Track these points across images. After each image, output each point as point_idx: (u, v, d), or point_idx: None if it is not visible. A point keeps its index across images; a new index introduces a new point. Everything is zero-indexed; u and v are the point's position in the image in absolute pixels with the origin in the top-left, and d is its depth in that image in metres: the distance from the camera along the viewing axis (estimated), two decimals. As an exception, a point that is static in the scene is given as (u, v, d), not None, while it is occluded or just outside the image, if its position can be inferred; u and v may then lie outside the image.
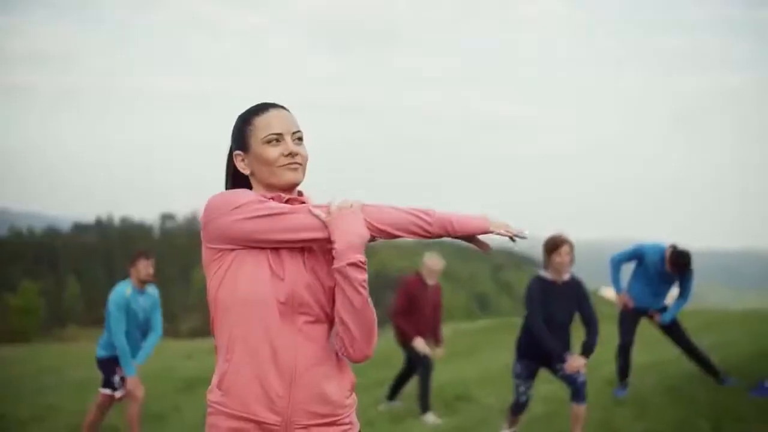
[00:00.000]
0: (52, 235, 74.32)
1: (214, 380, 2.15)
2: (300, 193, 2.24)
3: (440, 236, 2.18)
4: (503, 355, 11.31)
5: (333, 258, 2.11)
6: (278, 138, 2.16)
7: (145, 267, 6.32)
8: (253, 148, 2.18)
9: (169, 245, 66.84)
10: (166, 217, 77.27)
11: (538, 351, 5.43)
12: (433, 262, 7.40)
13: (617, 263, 7.03)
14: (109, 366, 6.36)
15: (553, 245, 5.37)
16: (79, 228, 77.90)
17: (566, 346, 5.44)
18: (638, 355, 7.33)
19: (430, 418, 7.18)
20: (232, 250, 2.09)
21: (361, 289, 2.07)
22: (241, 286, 2.08)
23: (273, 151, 2.15)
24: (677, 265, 6.69)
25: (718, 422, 5.73)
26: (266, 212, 2.07)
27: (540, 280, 5.46)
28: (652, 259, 6.84)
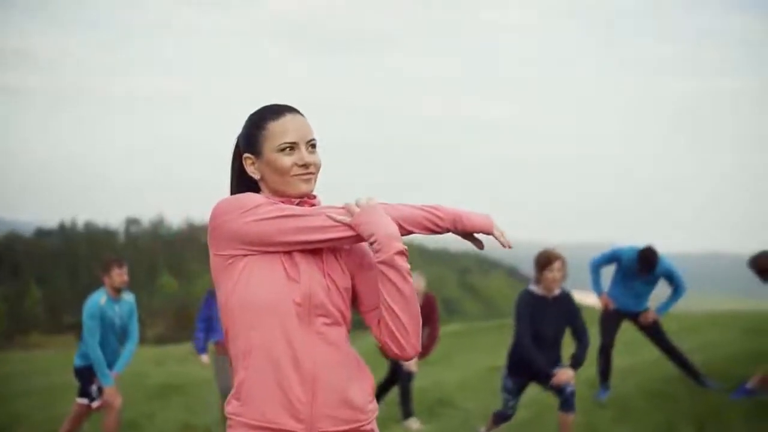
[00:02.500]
0: (13, 240, 73.05)
1: (233, 391, 2.08)
2: (311, 196, 2.17)
3: (448, 231, 2.17)
4: (478, 359, 11.33)
5: (352, 255, 2.12)
6: (293, 146, 2.10)
7: (118, 275, 6.20)
8: (266, 155, 2.11)
9: (135, 250, 65.99)
10: (131, 222, 76.36)
11: (528, 367, 5.40)
12: (416, 284, 7.31)
13: (596, 266, 7.06)
14: (87, 375, 6.24)
15: (546, 261, 5.32)
16: (42, 233, 76.64)
17: (556, 363, 5.41)
18: (619, 358, 7.34)
19: (413, 423, 7.13)
20: (245, 255, 2.03)
21: (410, 278, 2.03)
22: (256, 290, 2.01)
23: (287, 160, 2.09)
24: (643, 264, 6.75)
25: (701, 425, 5.75)
26: (283, 213, 2.02)
27: (529, 295, 5.41)
28: (629, 261, 6.88)
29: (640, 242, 6.98)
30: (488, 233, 2.17)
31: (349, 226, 2.04)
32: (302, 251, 2.05)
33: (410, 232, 2.12)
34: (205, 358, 7.10)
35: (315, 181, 2.15)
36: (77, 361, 6.32)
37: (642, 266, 6.76)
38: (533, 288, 5.43)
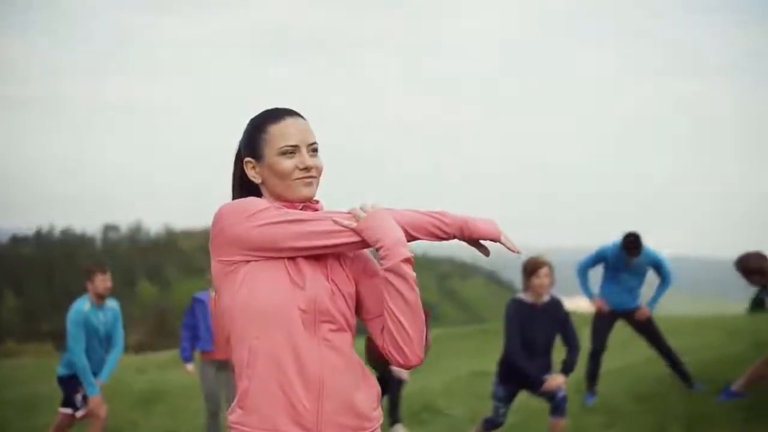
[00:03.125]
0: (-12, 247, 72.22)
1: (236, 399, 2.03)
2: (314, 200, 2.14)
3: (454, 238, 2.13)
4: (462, 364, 11.32)
5: (354, 261, 2.09)
6: (294, 150, 2.06)
7: (102, 281, 6.11)
8: (267, 158, 2.07)
9: (112, 257, 65.49)
10: (109, 228, 75.86)
11: (518, 375, 5.39)
12: None
13: (583, 269, 7.09)
14: (71, 384, 6.15)
15: (532, 268, 5.32)
16: (18, 240, 75.85)
17: (547, 370, 5.40)
18: (606, 361, 7.34)
19: (399, 430, 7.10)
20: (247, 261, 1.99)
21: (415, 287, 1.99)
22: (260, 297, 1.97)
23: (288, 164, 2.06)
24: (629, 248, 6.80)
25: (690, 427, 5.78)
26: (289, 218, 1.98)
27: (518, 303, 5.40)
28: (615, 256, 6.93)
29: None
30: (495, 240, 2.14)
31: (355, 232, 2.00)
32: (306, 257, 2.02)
33: (416, 239, 2.08)
34: (190, 366, 7.00)
35: (317, 185, 2.11)
36: (61, 370, 6.23)
37: (628, 250, 6.82)
38: (522, 296, 5.43)
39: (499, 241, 2.14)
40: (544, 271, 5.30)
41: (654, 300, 7.08)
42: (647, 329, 7.09)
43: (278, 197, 2.09)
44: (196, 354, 7.02)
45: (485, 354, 12.69)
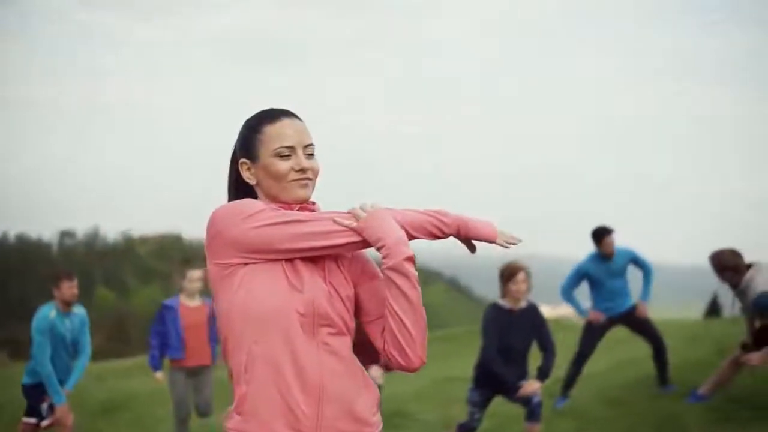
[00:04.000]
0: (-60, 253, 70.57)
1: (233, 405, 1.99)
2: (311, 202, 2.11)
3: (452, 236, 2.13)
4: (431, 369, 11.28)
5: (352, 261, 2.07)
6: (290, 151, 2.03)
7: (69, 287, 6.00)
8: (262, 160, 2.04)
9: (69, 263, 64.42)
10: (65, 234, 74.56)
11: (494, 380, 5.39)
12: None
13: (567, 291, 7.13)
14: (36, 393, 6.01)
15: (509, 273, 5.33)
16: (-29, 246, 74.23)
17: (523, 375, 5.41)
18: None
19: None
20: (245, 264, 1.94)
21: (418, 286, 1.97)
22: (258, 300, 1.93)
23: (283, 166, 2.02)
24: (599, 241, 6.90)
25: (660, 430, 5.84)
26: (287, 219, 1.95)
27: (496, 309, 5.41)
28: (594, 268, 6.98)
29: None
30: (492, 242, 2.13)
31: (355, 231, 1.97)
32: (304, 260, 1.99)
33: (416, 238, 2.06)
34: (159, 375, 6.90)
35: (313, 187, 2.09)
36: (25, 379, 6.09)
37: (600, 245, 6.88)
38: (500, 302, 5.44)
39: (496, 243, 2.13)
40: (521, 276, 5.31)
41: (646, 294, 7.10)
42: (645, 327, 7.11)
43: (273, 199, 2.06)
44: (165, 361, 6.92)
45: (453, 359, 12.71)
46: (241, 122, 2.13)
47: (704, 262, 5.99)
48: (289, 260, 1.97)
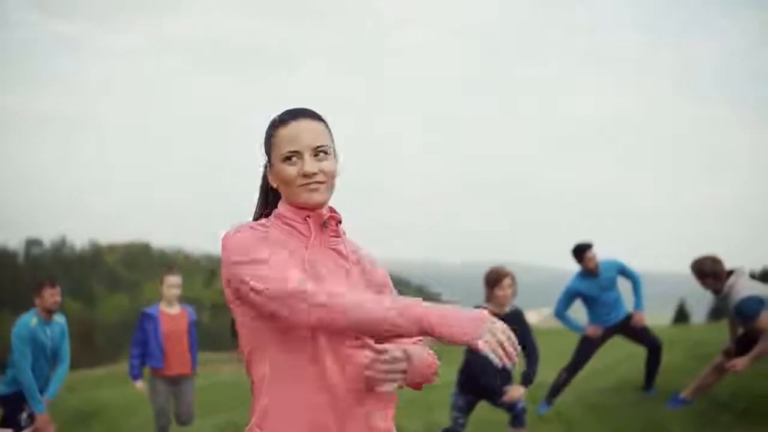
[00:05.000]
0: None
1: (254, 419, 1.94)
2: (332, 210, 2.05)
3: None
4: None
5: (370, 280, 2.05)
6: (296, 155, 1.96)
7: (51, 295, 5.94)
8: (275, 164, 2.00)
9: (35, 272, 63.56)
10: (32, 243, 73.52)
11: (478, 386, 5.41)
12: None
13: (561, 313, 7.17)
14: (15, 403, 5.91)
15: (495, 278, 5.35)
16: (-66, 255, 72.92)
17: (508, 380, 5.43)
18: (553, 372, 7.45)
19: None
20: None
21: None
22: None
23: (290, 171, 1.96)
24: (576, 255, 6.97)
25: (644, 434, 5.90)
26: (248, 258, 1.89)
27: None
28: (583, 285, 7.04)
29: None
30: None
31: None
32: (327, 269, 1.96)
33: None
34: (139, 384, 6.81)
35: (328, 189, 1.99)
36: (3, 388, 5.98)
37: (582, 261, 6.94)
38: (485, 305, 5.46)
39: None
40: (507, 281, 5.34)
41: (640, 302, 7.12)
42: (643, 333, 7.14)
43: (291, 203, 2.02)
44: (146, 370, 6.84)
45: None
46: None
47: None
48: (313, 267, 1.93)
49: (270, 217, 2.05)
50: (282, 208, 2.03)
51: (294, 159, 1.97)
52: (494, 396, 5.37)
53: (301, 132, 1.98)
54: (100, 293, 67.81)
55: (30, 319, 5.88)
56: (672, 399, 6.55)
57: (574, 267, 7.13)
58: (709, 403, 6.32)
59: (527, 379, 5.40)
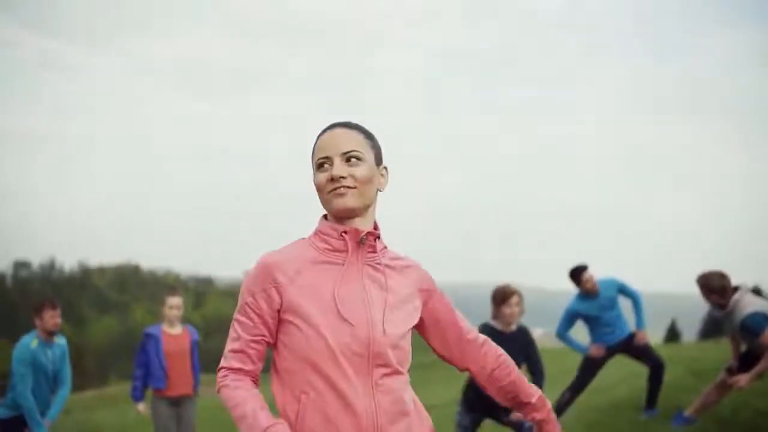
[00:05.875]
0: None
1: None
2: (375, 225, 2.05)
3: None
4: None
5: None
6: (326, 161, 1.97)
7: (51, 317, 5.89)
8: (313, 173, 2.02)
9: (24, 294, 63.15)
10: (20, 265, 73.04)
11: (484, 403, 5.40)
12: None
13: (563, 334, 7.16)
14: (15, 426, 5.85)
15: (502, 296, 5.37)
16: None
17: None
18: (553, 393, 7.43)
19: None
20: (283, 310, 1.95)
21: None
22: (305, 339, 1.89)
23: (321, 177, 1.98)
24: (578, 282, 6.97)
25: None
26: (237, 314, 2.01)
27: (490, 329, 5.43)
28: (584, 306, 7.04)
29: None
30: None
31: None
32: (356, 302, 1.94)
33: None
34: (141, 406, 6.76)
35: (358, 195, 1.96)
36: (4, 412, 5.93)
37: (579, 284, 6.95)
38: (492, 323, 5.47)
39: None
40: (514, 299, 5.36)
41: (641, 321, 7.11)
42: (645, 352, 7.13)
43: (328, 216, 2.04)
44: (148, 392, 6.80)
45: (431, 386, 12.69)
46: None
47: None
48: (341, 293, 1.93)
49: (312, 233, 2.05)
50: (322, 224, 2.03)
51: (326, 165, 1.98)
52: (501, 413, 5.35)
53: (333, 139, 1.99)
54: (89, 315, 67.35)
55: (30, 341, 5.84)
56: (676, 417, 6.53)
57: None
58: (712, 419, 6.31)
59: None
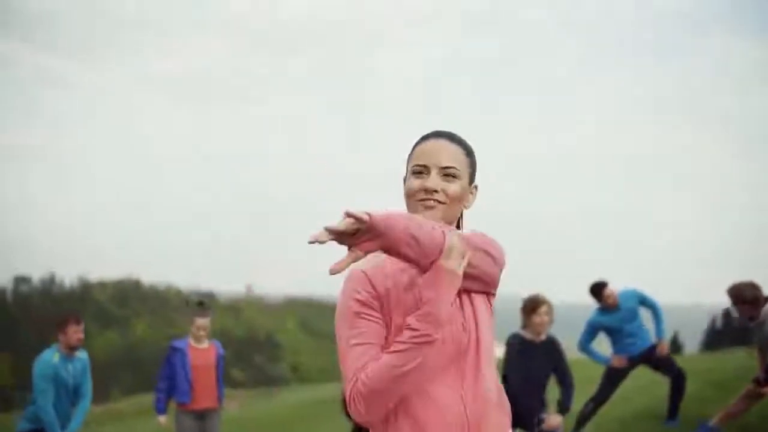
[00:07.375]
0: None
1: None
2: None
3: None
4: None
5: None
6: (423, 170, 1.98)
7: (75, 332, 5.92)
8: (406, 177, 2.03)
9: (24, 309, 63.02)
10: (20, 280, 72.83)
11: (515, 412, 5.36)
12: None
13: (585, 347, 7.21)
14: None
15: (532, 306, 5.39)
16: None
17: (543, 405, 5.42)
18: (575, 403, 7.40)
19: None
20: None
21: None
22: None
23: (414, 183, 1.98)
24: (599, 297, 7.02)
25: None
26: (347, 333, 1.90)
27: (519, 339, 5.44)
28: (605, 319, 7.04)
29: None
30: None
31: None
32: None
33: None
34: (163, 418, 6.74)
35: (448, 211, 1.97)
36: (24, 425, 5.93)
37: (601, 300, 6.95)
38: (522, 332, 5.46)
39: None
40: (544, 309, 5.37)
41: (660, 331, 7.14)
42: (666, 363, 7.14)
43: None
44: (171, 405, 6.77)
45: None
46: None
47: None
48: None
49: None
50: None
51: (422, 174, 1.99)
52: (531, 424, 5.32)
53: (434, 149, 2.00)
54: (90, 330, 67.07)
55: (51, 356, 5.86)
56: (700, 427, 6.50)
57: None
58: (736, 428, 6.28)
59: (564, 407, 5.39)
